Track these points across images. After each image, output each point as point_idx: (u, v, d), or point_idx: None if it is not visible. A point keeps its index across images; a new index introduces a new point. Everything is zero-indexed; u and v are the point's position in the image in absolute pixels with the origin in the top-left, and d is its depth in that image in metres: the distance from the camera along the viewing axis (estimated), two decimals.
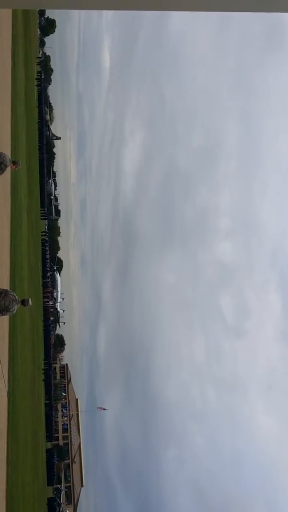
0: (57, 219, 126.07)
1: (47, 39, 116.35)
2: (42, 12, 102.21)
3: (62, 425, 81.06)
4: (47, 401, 55.38)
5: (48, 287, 74.81)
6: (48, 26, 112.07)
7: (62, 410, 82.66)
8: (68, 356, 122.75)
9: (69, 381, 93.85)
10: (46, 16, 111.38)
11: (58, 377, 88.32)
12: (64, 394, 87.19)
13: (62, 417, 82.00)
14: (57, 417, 76.39)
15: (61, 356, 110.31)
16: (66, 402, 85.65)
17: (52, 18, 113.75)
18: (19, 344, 25.12)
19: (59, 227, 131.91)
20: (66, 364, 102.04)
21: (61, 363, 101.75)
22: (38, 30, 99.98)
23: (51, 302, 79.61)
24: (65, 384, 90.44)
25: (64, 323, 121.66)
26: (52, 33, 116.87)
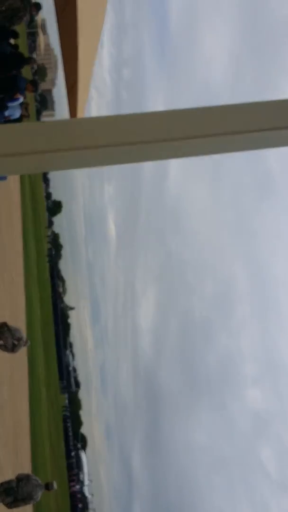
0: (77, 391, 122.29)
1: (55, 219, 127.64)
2: (48, 195, 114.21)
3: None
4: None
5: (74, 469, 69.06)
6: (55, 207, 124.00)
7: None
8: None
9: None
10: (53, 199, 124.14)
11: None
12: None
13: None
14: None
15: None
16: None
17: (58, 200, 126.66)
18: None
19: (80, 400, 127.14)
20: None
21: None
22: (46, 212, 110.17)
23: (78, 486, 72.52)
24: None
25: (95, 510, 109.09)
26: (59, 213, 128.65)
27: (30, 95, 11.22)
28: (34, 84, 10.04)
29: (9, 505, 8.60)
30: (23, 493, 8.50)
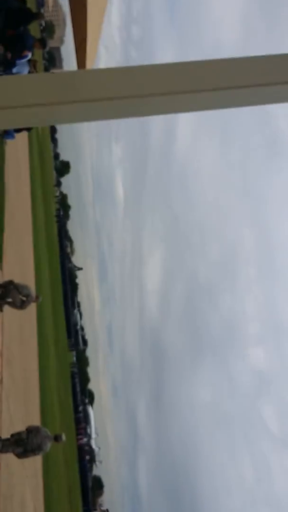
0: (84, 349, 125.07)
1: (63, 179, 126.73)
2: (56, 156, 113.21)
3: None
4: None
5: (81, 422, 71.44)
6: (63, 168, 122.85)
7: None
8: (108, 500, 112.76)
9: None
10: (60, 160, 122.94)
11: None
12: None
13: None
14: None
15: (101, 501, 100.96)
16: None
17: (66, 160, 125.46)
18: (54, 489, 23.06)
19: (87, 357, 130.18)
20: (107, 509, 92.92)
21: (102, 509, 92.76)
22: (54, 172, 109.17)
23: (85, 439, 75.28)
24: None
25: (101, 461, 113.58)
26: (67, 173, 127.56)
27: (38, 53, 11.00)
28: (42, 42, 9.81)
29: (19, 456, 8.97)
30: (33, 444, 8.84)
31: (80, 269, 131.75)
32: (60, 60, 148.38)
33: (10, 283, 11.30)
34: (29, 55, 10.07)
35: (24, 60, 10.05)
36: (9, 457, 9.52)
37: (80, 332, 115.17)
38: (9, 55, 9.33)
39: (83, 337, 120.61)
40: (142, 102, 2.67)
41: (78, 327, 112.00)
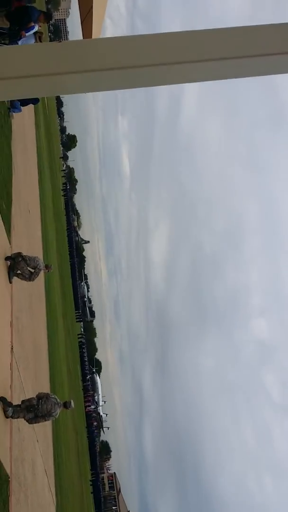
0: (92, 320, 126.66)
1: (69, 153, 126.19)
2: (63, 130, 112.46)
3: None
4: None
5: (89, 390, 73.04)
6: (70, 142, 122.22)
7: None
8: (115, 463, 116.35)
9: (118, 491, 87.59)
10: (67, 133, 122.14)
11: (107, 489, 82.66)
12: (114, 507, 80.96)
13: None
14: None
15: (108, 465, 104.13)
16: None
17: (72, 134, 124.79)
18: (63, 454, 23.89)
19: (94, 328, 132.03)
20: (114, 473, 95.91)
21: (109, 472, 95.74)
22: (61, 146, 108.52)
23: (93, 406, 77.12)
24: (115, 496, 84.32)
25: (108, 428, 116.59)
26: (74, 147, 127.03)
27: (43, 25, 10.91)
28: (47, 16, 9.75)
29: (30, 421, 9.36)
30: (43, 410, 9.21)
31: (87, 242, 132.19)
32: (66, 32, 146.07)
33: (19, 255, 11.53)
34: (36, 27, 10.02)
35: (31, 32, 10.02)
36: (20, 422, 9.91)
37: (87, 304, 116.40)
38: (23, 33, 9.32)
39: (90, 308, 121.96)
40: (148, 71, 2.67)
41: (86, 299, 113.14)
